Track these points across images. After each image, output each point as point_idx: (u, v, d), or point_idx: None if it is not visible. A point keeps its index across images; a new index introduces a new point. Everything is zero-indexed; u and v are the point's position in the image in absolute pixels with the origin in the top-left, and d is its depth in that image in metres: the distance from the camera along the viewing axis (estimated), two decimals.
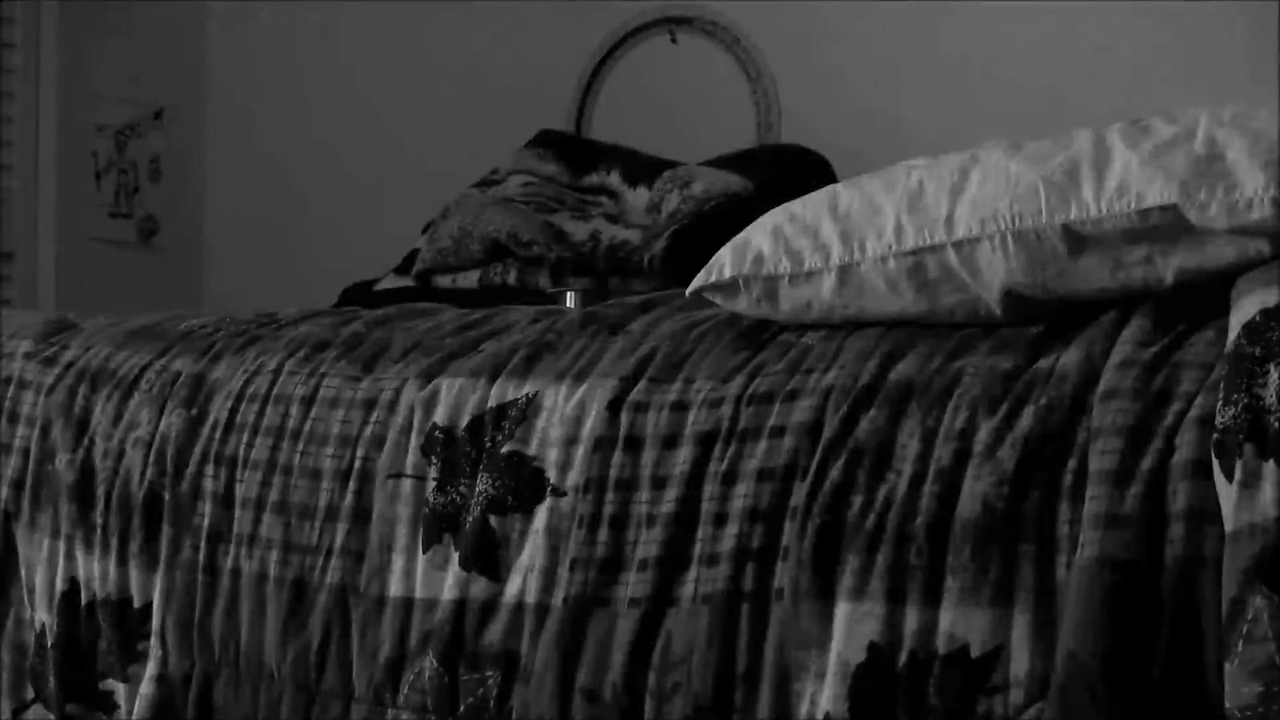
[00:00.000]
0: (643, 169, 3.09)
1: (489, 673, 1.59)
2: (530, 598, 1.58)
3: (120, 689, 1.88)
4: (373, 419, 1.75)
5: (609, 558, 1.55)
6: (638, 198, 3.04)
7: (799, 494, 1.47)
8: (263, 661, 1.75)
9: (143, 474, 1.90)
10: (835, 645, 1.40)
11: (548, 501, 1.60)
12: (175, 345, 2.02)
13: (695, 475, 1.53)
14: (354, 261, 3.44)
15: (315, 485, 1.76)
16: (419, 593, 1.65)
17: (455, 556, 1.63)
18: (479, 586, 1.61)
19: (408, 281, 3.05)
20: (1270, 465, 1.24)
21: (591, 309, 1.85)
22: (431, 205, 3.20)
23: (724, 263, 1.69)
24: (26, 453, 2.02)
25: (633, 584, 1.53)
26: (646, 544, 1.53)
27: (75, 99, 3.86)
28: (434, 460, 1.68)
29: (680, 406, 1.58)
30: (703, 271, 1.71)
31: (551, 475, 1.61)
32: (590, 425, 1.61)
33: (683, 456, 1.55)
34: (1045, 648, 1.33)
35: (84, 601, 1.92)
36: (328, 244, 3.95)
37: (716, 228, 2.69)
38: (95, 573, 1.91)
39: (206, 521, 1.83)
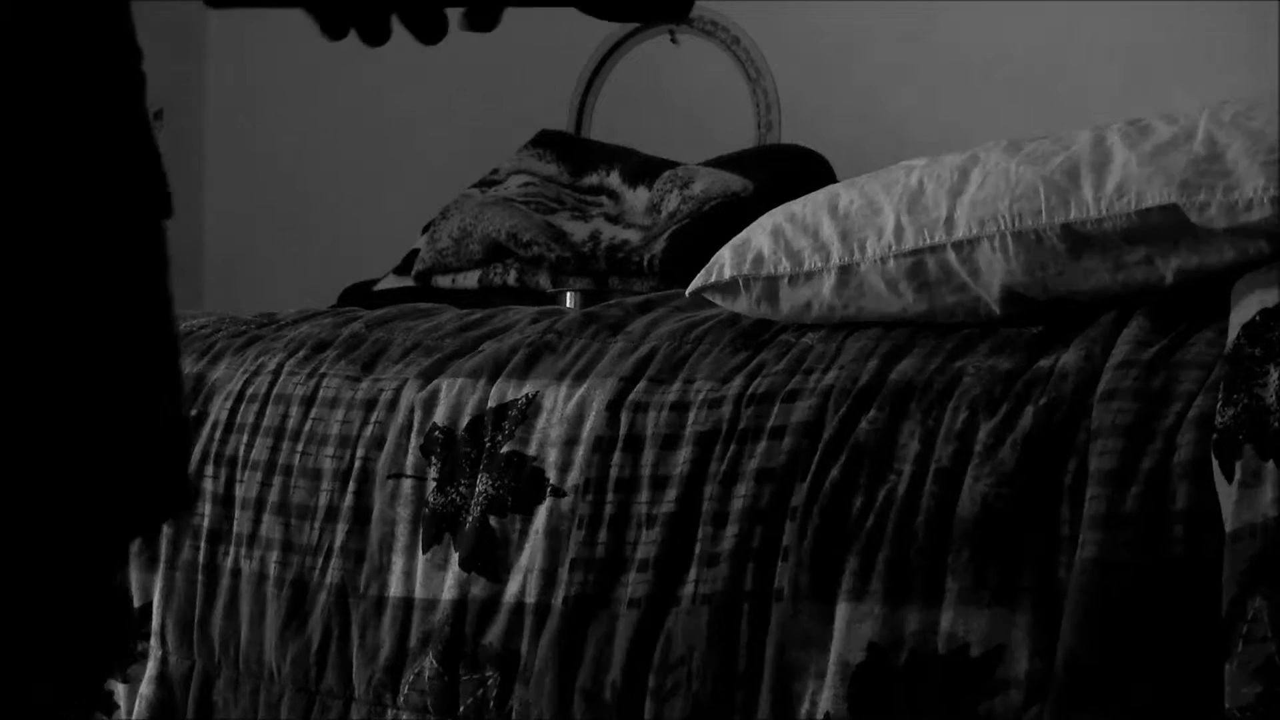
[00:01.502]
0: (643, 169, 3.09)
1: (489, 673, 1.58)
2: (530, 598, 1.58)
3: (120, 689, 1.88)
4: (373, 419, 1.75)
5: (609, 558, 1.55)
6: (638, 198, 3.04)
7: (799, 494, 1.47)
8: (263, 661, 1.75)
9: None
10: (835, 645, 1.40)
11: (548, 502, 1.60)
12: None
13: (695, 475, 1.53)
14: (354, 261, 3.44)
15: (315, 485, 1.76)
16: (419, 593, 1.65)
17: (455, 557, 1.63)
18: (479, 586, 1.61)
19: (408, 282, 3.05)
20: (1270, 465, 1.24)
21: (591, 309, 1.85)
22: (431, 205, 3.20)
23: (724, 263, 1.69)
24: None
25: (633, 584, 1.53)
26: (646, 544, 1.53)
27: None
28: (434, 460, 1.68)
29: (680, 406, 1.58)
30: (703, 272, 1.71)
31: (551, 475, 1.61)
32: (590, 425, 1.61)
33: (683, 456, 1.55)
34: (1045, 648, 1.32)
35: None
36: (328, 244, 3.95)
37: (716, 228, 2.69)
38: None
39: (206, 522, 1.83)
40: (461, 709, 1.59)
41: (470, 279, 2.94)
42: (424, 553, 1.66)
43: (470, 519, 1.63)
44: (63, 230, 1.00)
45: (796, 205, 1.70)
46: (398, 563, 1.67)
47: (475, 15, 1.17)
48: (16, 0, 0.97)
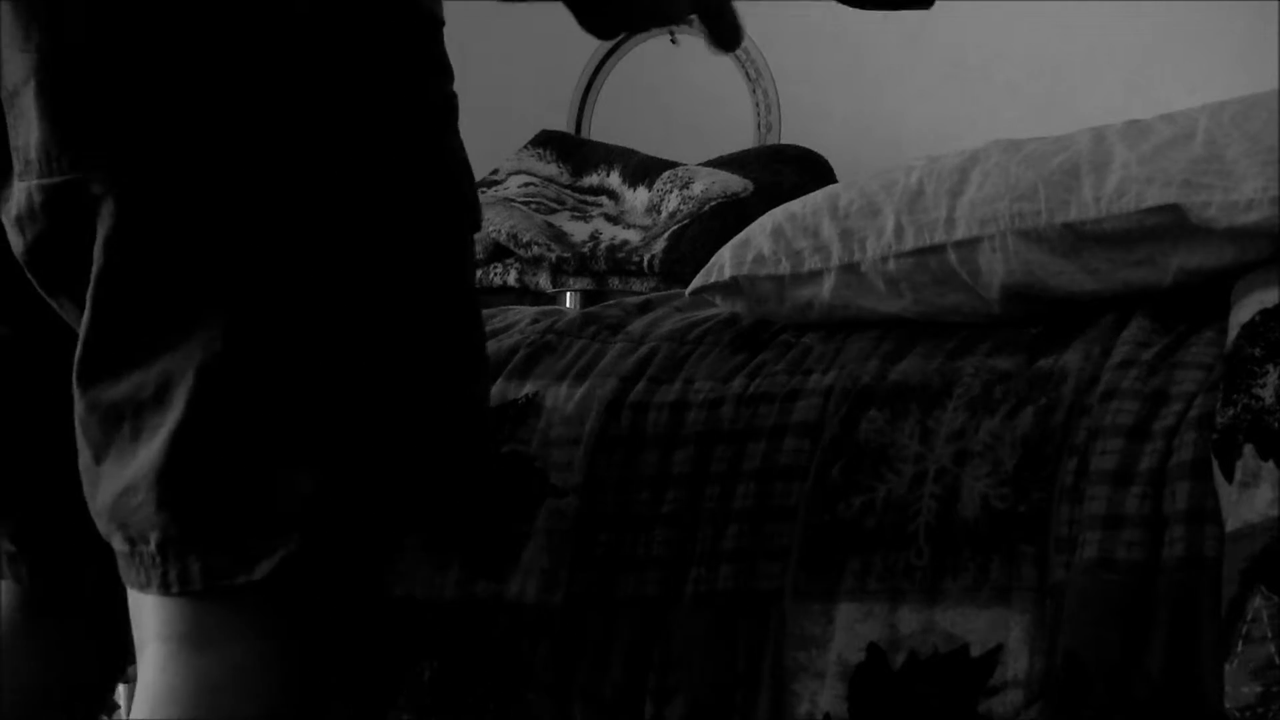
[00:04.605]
0: (643, 169, 3.09)
1: (489, 673, 1.58)
2: (530, 598, 1.58)
3: (120, 689, 1.88)
4: None
5: (609, 558, 1.55)
6: (638, 198, 3.04)
7: (799, 494, 1.47)
8: None
9: None
10: (835, 645, 1.40)
11: (548, 502, 1.60)
12: None
13: (695, 475, 1.53)
14: None
15: None
16: (419, 593, 1.65)
17: (456, 557, 1.63)
18: (479, 586, 1.61)
19: None
20: (1270, 465, 1.24)
21: (591, 309, 1.85)
22: None
23: (724, 263, 1.69)
24: None
25: (633, 584, 1.52)
26: (646, 544, 1.53)
27: None
28: None
29: (680, 406, 1.58)
30: (702, 272, 1.71)
31: (552, 475, 1.61)
32: (590, 425, 1.61)
33: (683, 456, 1.55)
34: (1045, 648, 1.33)
35: None
36: None
37: (716, 228, 2.70)
38: None
39: None
40: (462, 709, 1.59)
41: None
42: (424, 552, 1.65)
43: (471, 519, 1.63)
44: (380, 242, 1.04)
45: (796, 205, 1.70)
46: (398, 563, 1.67)
47: (719, 33, 1.23)
48: (341, 29, 1.02)
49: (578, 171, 3.18)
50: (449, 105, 1.13)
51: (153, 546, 1.02)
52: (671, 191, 2.95)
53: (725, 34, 1.24)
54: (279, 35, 1.01)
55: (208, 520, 1.02)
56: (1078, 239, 1.52)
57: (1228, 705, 1.21)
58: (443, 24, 1.13)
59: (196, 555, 1.02)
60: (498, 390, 1.69)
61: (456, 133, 1.13)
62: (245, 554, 1.02)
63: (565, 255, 2.83)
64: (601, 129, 3.70)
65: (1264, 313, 1.33)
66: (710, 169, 3.01)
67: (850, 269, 1.61)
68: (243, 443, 1.02)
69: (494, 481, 1.17)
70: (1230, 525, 1.25)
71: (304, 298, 1.02)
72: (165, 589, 1.03)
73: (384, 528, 1.07)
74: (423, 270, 1.09)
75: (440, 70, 1.13)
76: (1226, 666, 1.22)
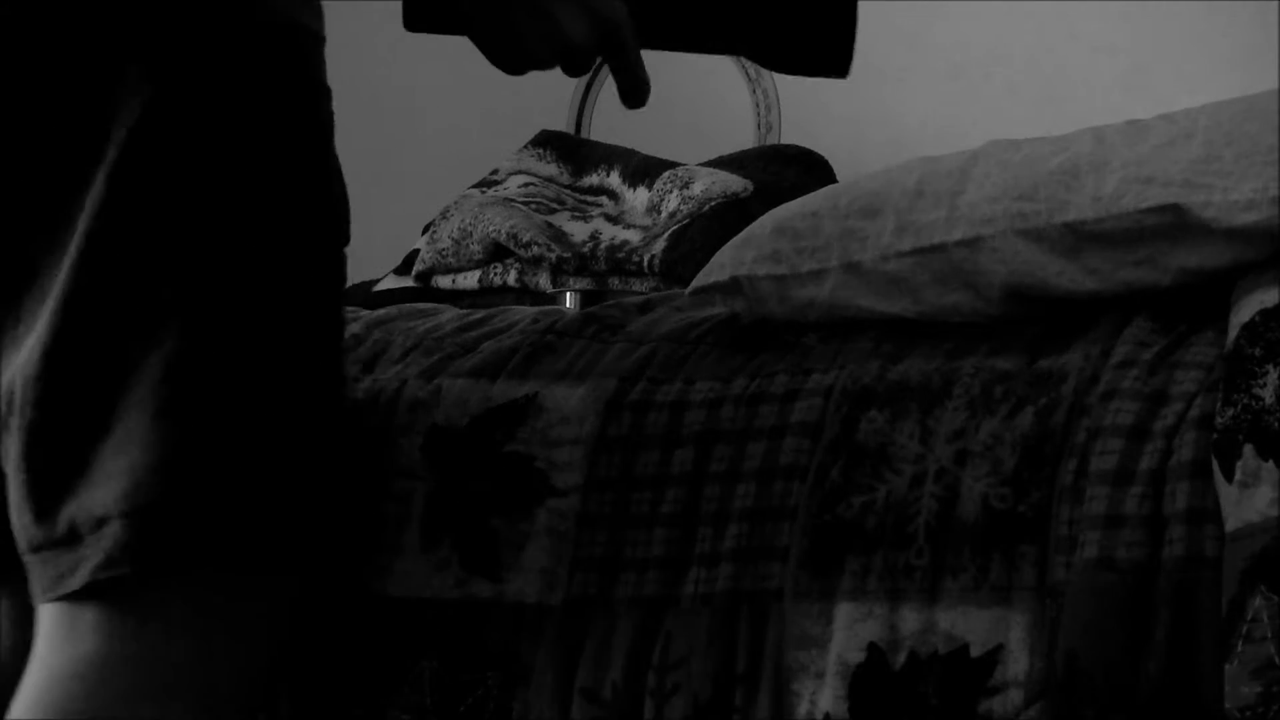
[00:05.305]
0: (643, 169, 3.08)
1: (489, 673, 1.58)
2: (530, 598, 1.58)
3: None
4: (373, 419, 1.75)
5: (609, 558, 1.55)
6: (637, 198, 3.03)
7: (799, 494, 1.47)
8: None
9: None
10: (835, 645, 1.40)
11: (548, 502, 1.60)
12: None
13: (695, 475, 1.53)
14: (354, 261, 3.43)
15: None
16: (419, 593, 1.65)
17: (455, 557, 1.63)
18: (479, 587, 1.61)
19: (408, 282, 3.05)
20: (1270, 465, 1.24)
21: (591, 309, 1.85)
22: (431, 205, 3.20)
23: (724, 263, 1.69)
24: None
25: (633, 584, 1.53)
26: (646, 544, 1.53)
27: None
28: (434, 460, 1.68)
29: (680, 406, 1.58)
30: (702, 272, 1.71)
31: (551, 475, 1.61)
32: (590, 425, 1.61)
33: (683, 456, 1.55)
34: (1045, 648, 1.33)
35: None
36: None
37: (716, 228, 2.69)
38: None
39: None
40: (461, 709, 1.59)
41: (470, 279, 2.94)
42: (424, 553, 1.65)
43: (470, 519, 1.63)
44: (251, 255, 1.05)
45: (796, 205, 1.70)
46: (398, 563, 1.67)
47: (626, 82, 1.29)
48: (218, 52, 1.02)
49: (578, 171, 3.18)
50: (328, 124, 1.15)
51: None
52: (671, 191, 2.94)
53: (631, 84, 1.28)
54: (167, 52, 1.02)
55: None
56: (1078, 239, 1.51)
57: (1228, 705, 1.21)
58: (323, 40, 1.14)
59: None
60: (498, 390, 1.69)
61: (333, 151, 1.16)
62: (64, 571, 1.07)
63: (565, 255, 2.83)
64: (601, 129, 3.70)
65: (1264, 313, 1.33)
66: (710, 169, 3.01)
67: (850, 269, 1.61)
68: (62, 458, 1.07)
69: (350, 469, 1.19)
70: (1230, 525, 1.25)
71: (203, 315, 1.04)
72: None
73: (231, 518, 1.09)
74: (293, 288, 1.10)
75: (320, 89, 1.14)
76: (1226, 666, 1.22)
